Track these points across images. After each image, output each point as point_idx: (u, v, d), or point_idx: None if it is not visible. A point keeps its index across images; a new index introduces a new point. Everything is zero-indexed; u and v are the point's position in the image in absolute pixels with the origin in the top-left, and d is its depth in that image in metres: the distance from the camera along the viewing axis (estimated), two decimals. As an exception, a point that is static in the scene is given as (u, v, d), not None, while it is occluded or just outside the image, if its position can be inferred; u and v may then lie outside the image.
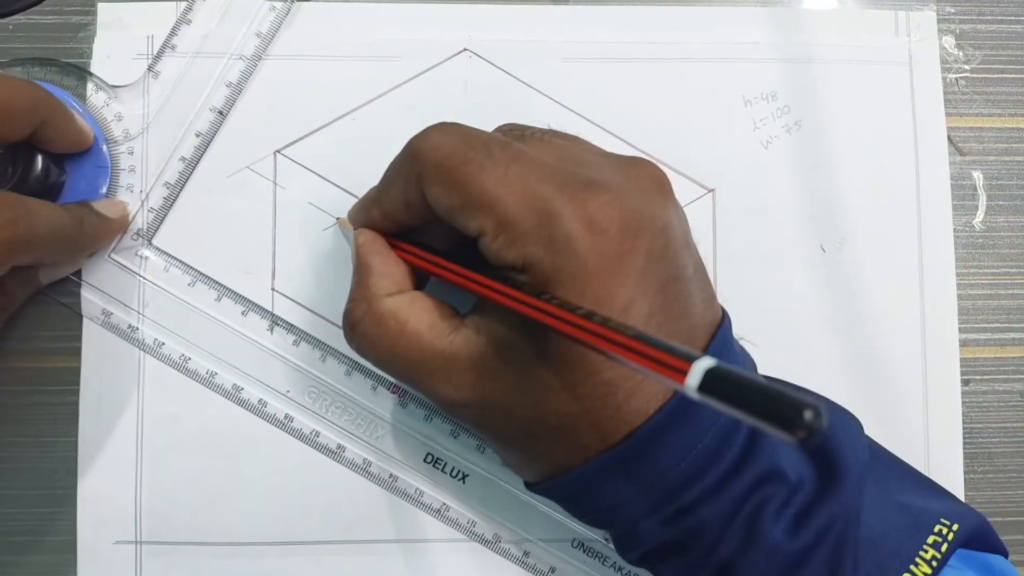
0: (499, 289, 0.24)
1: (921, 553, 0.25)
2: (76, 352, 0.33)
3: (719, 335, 0.26)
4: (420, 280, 0.28)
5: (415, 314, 0.26)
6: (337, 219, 0.33)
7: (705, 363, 0.17)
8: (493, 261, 0.24)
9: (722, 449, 0.25)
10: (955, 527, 0.26)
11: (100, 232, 0.31)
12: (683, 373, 0.17)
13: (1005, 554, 0.28)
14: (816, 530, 0.24)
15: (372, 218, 0.28)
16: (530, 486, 0.28)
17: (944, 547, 0.25)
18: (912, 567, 0.25)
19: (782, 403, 0.15)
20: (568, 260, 0.23)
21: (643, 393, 0.24)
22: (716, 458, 0.25)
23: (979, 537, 0.27)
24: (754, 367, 0.28)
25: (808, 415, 0.15)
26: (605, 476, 0.25)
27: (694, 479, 0.25)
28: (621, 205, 0.24)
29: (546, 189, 0.24)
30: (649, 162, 0.26)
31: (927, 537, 0.25)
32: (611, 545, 0.33)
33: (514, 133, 0.27)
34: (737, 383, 0.16)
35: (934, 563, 0.25)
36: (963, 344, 0.34)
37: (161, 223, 0.33)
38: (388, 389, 0.33)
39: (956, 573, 0.26)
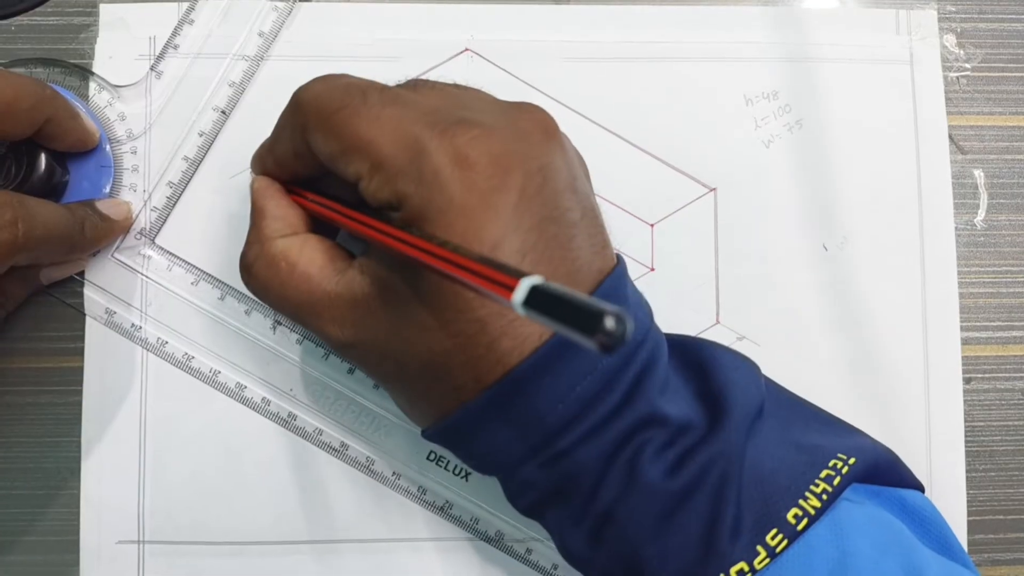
0: (370, 224, 0.24)
1: (812, 487, 0.25)
2: (79, 352, 0.33)
3: (607, 281, 0.25)
4: (324, 230, 0.29)
5: (306, 255, 0.27)
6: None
7: (531, 280, 0.17)
8: (372, 204, 0.25)
9: (603, 393, 0.25)
10: (851, 461, 0.25)
11: (102, 232, 0.31)
12: (511, 289, 0.17)
13: (920, 489, 0.28)
14: (696, 469, 0.24)
15: (267, 167, 0.29)
16: (423, 433, 0.28)
17: (837, 480, 0.25)
18: (801, 501, 0.24)
19: (588, 312, 0.16)
20: (436, 194, 0.23)
21: (516, 333, 0.24)
22: (595, 402, 0.24)
23: (888, 473, 0.27)
24: (650, 314, 0.27)
25: (608, 322, 0.16)
26: (482, 418, 0.25)
27: (572, 422, 0.25)
28: (491, 141, 0.24)
29: (418, 128, 0.24)
30: (536, 106, 0.26)
31: (820, 472, 0.25)
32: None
33: (408, 83, 0.27)
34: (557, 298, 0.17)
35: (824, 496, 0.25)
36: (965, 342, 0.35)
37: (164, 222, 0.33)
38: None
39: (855, 507, 0.25)
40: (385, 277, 0.25)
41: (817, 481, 0.25)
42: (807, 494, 0.25)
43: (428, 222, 0.23)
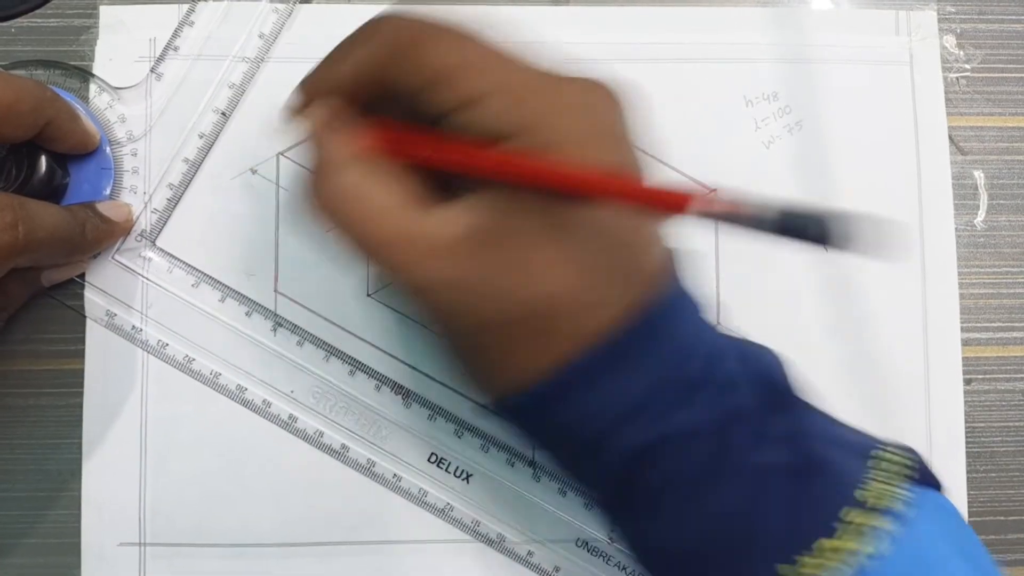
0: (487, 156, 0.23)
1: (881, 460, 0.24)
2: (80, 354, 0.33)
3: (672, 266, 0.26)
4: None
5: (383, 193, 0.24)
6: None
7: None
8: (475, 133, 0.23)
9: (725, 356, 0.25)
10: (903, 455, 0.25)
11: (103, 234, 0.31)
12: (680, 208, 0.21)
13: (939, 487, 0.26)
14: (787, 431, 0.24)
15: (318, 90, 0.26)
16: (498, 401, 0.25)
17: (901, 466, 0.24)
18: (882, 460, 0.24)
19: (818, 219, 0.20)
20: (568, 121, 0.23)
21: (651, 267, 0.24)
22: (713, 365, 0.24)
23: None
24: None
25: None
26: (616, 365, 0.23)
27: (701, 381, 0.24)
28: (597, 85, 0.24)
29: (534, 68, 0.24)
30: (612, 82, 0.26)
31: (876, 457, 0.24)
32: (615, 544, 0.33)
33: None
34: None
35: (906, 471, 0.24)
36: (965, 343, 0.35)
37: (165, 224, 0.33)
38: (391, 389, 0.33)
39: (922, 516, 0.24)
40: (503, 212, 0.23)
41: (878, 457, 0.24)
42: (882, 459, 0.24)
43: (556, 148, 0.23)
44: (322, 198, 0.24)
